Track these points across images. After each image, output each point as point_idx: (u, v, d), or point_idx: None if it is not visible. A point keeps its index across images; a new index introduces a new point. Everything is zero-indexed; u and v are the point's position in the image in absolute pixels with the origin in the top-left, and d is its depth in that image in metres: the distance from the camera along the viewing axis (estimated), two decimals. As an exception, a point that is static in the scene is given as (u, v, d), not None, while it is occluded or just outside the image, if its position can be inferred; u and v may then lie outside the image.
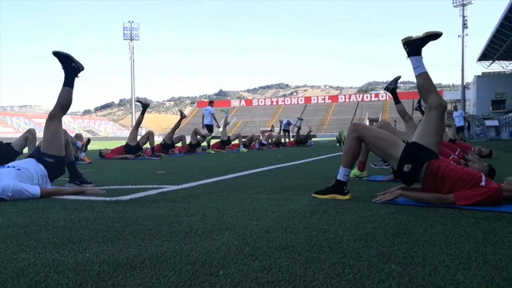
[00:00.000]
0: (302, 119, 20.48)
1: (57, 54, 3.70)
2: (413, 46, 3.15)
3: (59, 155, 3.64)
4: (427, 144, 3.00)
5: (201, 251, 1.73)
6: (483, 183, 2.74)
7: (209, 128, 16.15)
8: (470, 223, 2.29)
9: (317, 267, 1.52)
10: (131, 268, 1.52)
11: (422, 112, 7.44)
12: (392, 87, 5.28)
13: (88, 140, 9.44)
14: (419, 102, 7.46)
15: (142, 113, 10.12)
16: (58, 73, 3.82)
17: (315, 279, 1.40)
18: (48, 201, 3.15)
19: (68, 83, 3.71)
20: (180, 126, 13.05)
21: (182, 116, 11.74)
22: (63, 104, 3.69)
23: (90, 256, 1.67)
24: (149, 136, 9.51)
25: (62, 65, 3.71)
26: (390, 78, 5.42)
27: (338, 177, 3.21)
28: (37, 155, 3.60)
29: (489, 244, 1.85)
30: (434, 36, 3.13)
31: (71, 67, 3.71)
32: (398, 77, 5.23)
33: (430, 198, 2.81)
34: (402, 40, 3.20)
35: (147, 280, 1.39)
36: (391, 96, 5.60)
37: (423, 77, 3.15)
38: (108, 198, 3.24)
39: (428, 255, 1.67)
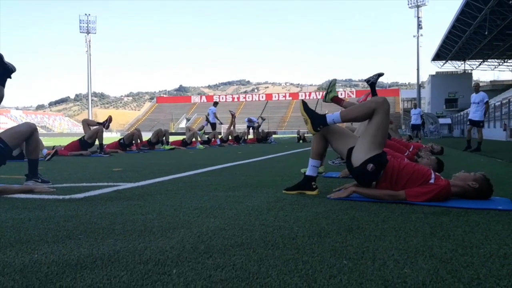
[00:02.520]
0: (264, 119, 21.07)
1: None
2: (317, 121, 3.14)
3: (10, 146, 3.49)
4: (375, 143, 3.02)
5: (155, 250, 1.71)
6: (432, 180, 2.86)
7: (213, 126, 17.15)
8: (419, 218, 2.38)
9: (270, 264, 1.53)
10: (81, 268, 1.48)
11: None
12: (372, 80, 5.39)
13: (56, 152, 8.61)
14: (367, 96, 7.63)
15: (98, 123, 9.84)
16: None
17: (268, 276, 1.41)
18: (-4, 200, 3.02)
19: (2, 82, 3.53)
20: (139, 122, 12.85)
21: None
22: None
23: (39, 257, 1.61)
24: (98, 131, 9.21)
25: None
26: (349, 76, 5.55)
27: (307, 173, 3.29)
28: None
29: (436, 238, 1.93)
30: (303, 107, 3.21)
31: (4, 68, 3.51)
32: (381, 74, 5.32)
33: (382, 195, 2.90)
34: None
35: (98, 281, 1.36)
36: (350, 94, 5.79)
37: (347, 112, 3.21)
38: (60, 197, 3.14)
39: (379, 250, 1.72)
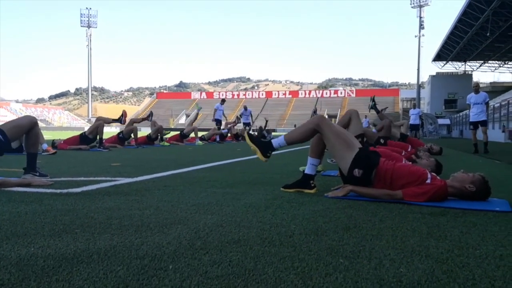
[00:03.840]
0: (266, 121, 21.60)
1: None
2: (265, 149, 3.25)
3: (10, 138, 3.50)
4: (344, 146, 3.13)
5: (151, 245, 1.71)
6: (428, 181, 2.86)
7: (219, 122, 17.70)
8: (416, 218, 2.38)
9: (267, 261, 1.53)
10: (77, 262, 1.48)
11: (377, 111, 7.67)
12: (371, 106, 6.45)
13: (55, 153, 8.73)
14: (373, 100, 7.64)
15: (113, 120, 10.07)
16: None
17: (264, 272, 1.41)
18: (-6, 192, 3.02)
19: None
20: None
21: (149, 117, 11.77)
22: None
23: (35, 251, 1.61)
24: (98, 126, 9.19)
25: None
26: (349, 75, 5.86)
27: (306, 171, 3.30)
28: None
29: (433, 238, 1.93)
30: (249, 138, 3.30)
31: None
32: (372, 98, 6.00)
33: (379, 194, 2.90)
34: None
35: (94, 275, 1.36)
36: (349, 94, 6.26)
37: (290, 135, 3.33)
38: (58, 190, 3.14)
39: (375, 249, 1.72)
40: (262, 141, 3.30)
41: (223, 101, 18.38)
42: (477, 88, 10.76)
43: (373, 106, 7.60)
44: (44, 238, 1.81)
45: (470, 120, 10.93)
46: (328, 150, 3.32)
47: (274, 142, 3.26)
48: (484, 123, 10.60)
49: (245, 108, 20.46)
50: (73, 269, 1.42)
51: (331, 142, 3.14)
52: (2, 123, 3.68)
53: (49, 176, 3.90)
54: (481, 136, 10.66)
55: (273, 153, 3.27)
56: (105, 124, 9.43)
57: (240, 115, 19.73)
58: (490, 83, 65.25)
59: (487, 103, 10.63)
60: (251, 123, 19.70)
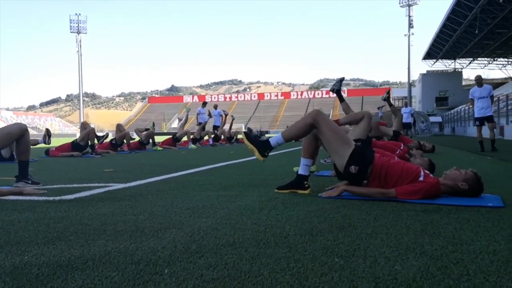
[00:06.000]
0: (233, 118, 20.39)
1: None
2: (263, 148, 3.24)
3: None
4: (340, 142, 3.11)
5: (146, 250, 1.71)
6: (421, 178, 2.88)
7: (216, 127, 17.41)
8: (410, 215, 2.39)
9: (262, 262, 1.54)
10: (72, 269, 1.47)
11: (390, 104, 7.82)
12: (336, 88, 5.61)
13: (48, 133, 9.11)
14: (387, 93, 7.96)
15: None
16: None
17: (260, 274, 1.41)
18: (-14, 202, 2.99)
19: None
20: (132, 122, 12.86)
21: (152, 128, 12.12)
22: None
23: (29, 259, 1.60)
24: (90, 133, 9.14)
25: None
26: (341, 75, 5.70)
27: (299, 172, 3.29)
28: None
29: (427, 235, 1.94)
30: (246, 137, 3.27)
31: None
32: (342, 78, 5.54)
33: (373, 193, 2.91)
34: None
35: (89, 282, 1.35)
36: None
37: (287, 132, 3.29)
38: (51, 198, 3.12)
39: (370, 248, 1.73)
40: (260, 140, 3.27)
41: (204, 103, 17.63)
42: (480, 81, 9.80)
43: (387, 98, 7.81)
44: (38, 246, 1.79)
45: (475, 115, 9.92)
46: (323, 146, 3.32)
47: (272, 140, 3.24)
48: (491, 119, 9.74)
49: (215, 107, 18.08)
50: (68, 276, 1.41)
51: (327, 138, 3.12)
52: None
53: (42, 183, 3.87)
54: (479, 133, 9.84)
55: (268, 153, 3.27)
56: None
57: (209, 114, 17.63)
58: (480, 80, 65.66)
59: (492, 97, 9.74)
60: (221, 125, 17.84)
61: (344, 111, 5.68)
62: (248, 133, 3.35)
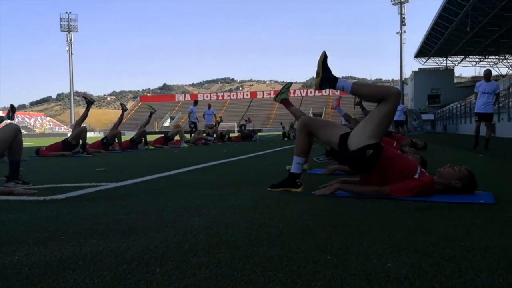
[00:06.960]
0: (250, 121, 20.76)
1: None
2: (327, 81, 3.08)
3: None
4: (377, 132, 2.98)
5: (138, 249, 1.70)
6: (417, 175, 2.88)
7: (194, 125, 17.31)
8: (403, 213, 2.40)
9: (255, 261, 1.53)
10: (63, 269, 1.46)
11: (363, 108, 7.69)
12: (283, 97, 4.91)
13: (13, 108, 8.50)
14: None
15: (87, 110, 9.61)
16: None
17: (252, 272, 1.41)
18: (-25, 202, 2.96)
19: None
20: (123, 121, 12.79)
21: (124, 109, 11.37)
22: None
23: (20, 259, 1.58)
24: (81, 132, 9.06)
25: None
26: (333, 73, 5.43)
27: (292, 170, 3.29)
28: None
29: (420, 232, 1.95)
30: (324, 59, 3.08)
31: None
32: (290, 84, 4.97)
33: (366, 191, 2.91)
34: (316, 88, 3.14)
35: (80, 281, 1.34)
36: (334, 92, 5.71)
37: (359, 86, 3.15)
38: (42, 198, 3.09)
39: (363, 245, 1.73)
40: (331, 73, 3.05)
41: (195, 102, 17.84)
42: (488, 76, 9.42)
43: (359, 103, 7.58)
44: (29, 246, 1.77)
45: (476, 110, 9.61)
46: (321, 144, 3.33)
47: (340, 82, 3.05)
48: (490, 118, 9.52)
49: (209, 107, 18.16)
50: (59, 276, 1.39)
51: (379, 115, 2.96)
52: None
53: (32, 183, 3.84)
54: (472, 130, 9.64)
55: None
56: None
57: (203, 115, 18.13)
58: (472, 77, 66.19)
59: (497, 94, 9.41)
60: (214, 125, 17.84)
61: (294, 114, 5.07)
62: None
